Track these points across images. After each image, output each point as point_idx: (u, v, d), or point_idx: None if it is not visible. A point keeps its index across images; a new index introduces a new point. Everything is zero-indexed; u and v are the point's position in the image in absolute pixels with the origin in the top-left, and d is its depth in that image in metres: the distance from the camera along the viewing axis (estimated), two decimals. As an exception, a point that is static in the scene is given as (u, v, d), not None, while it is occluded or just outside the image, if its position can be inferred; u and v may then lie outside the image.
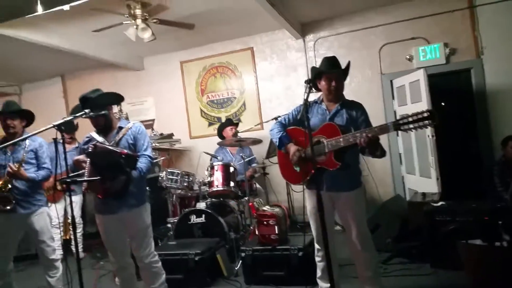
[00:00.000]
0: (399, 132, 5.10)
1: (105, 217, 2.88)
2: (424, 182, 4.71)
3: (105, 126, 2.90)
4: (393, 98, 5.38)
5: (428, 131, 4.34)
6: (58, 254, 3.47)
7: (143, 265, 2.95)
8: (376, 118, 2.44)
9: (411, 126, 2.32)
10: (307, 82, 2.43)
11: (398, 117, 3.61)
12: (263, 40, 5.97)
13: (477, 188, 4.80)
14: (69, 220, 5.05)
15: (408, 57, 5.26)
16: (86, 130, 3.16)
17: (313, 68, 2.86)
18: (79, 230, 5.22)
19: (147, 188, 4.64)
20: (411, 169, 5.10)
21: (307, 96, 2.34)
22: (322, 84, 2.76)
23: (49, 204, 4.85)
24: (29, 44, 4.64)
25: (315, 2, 4.94)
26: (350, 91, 5.44)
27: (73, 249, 5.07)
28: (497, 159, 4.74)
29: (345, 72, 2.82)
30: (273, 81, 5.95)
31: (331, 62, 2.78)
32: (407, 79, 4.92)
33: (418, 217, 3.57)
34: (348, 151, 2.60)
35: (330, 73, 2.74)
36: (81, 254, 5.22)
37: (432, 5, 5.11)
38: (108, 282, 4.11)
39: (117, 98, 3.03)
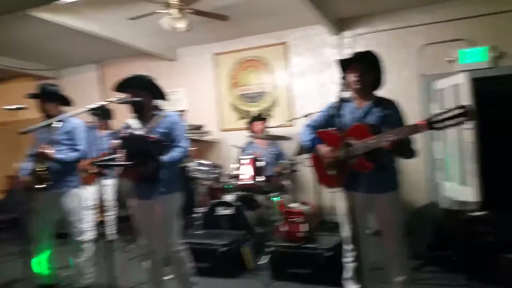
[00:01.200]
0: (436, 135, 5.03)
1: (138, 201, 2.95)
2: (461, 190, 4.52)
3: (140, 112, 2.93)
4: (431, 101, 5.19)
5: (468, 136, 4.17)
6: (86, 236, 3.55)
7: (168, 252, 2.99)
8: (413, 121, 2.33)
9: (443, 124, 2.14)
10: (343, 78, 2.36)
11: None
12: (298, 35, 5.88)
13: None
14: (103, 203, 5.22)
15: (449, 59, 5.05)
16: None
17: (337, 60, 2.73)
18: (112, 213, 5.35)
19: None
20: (448, 176, 4.91)
21: (340, 93, 2.26)
22: (346, 79, 2.64)
23: (84, 186, 5.03)
24: (67, 29, 4.74)
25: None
26: (385, 92, 5.26)
27: (106, 231, 5.27)
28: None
29: (372, 65, 2.65)
30: (306, 78, 5.87)
31: (357, 55, 2.67)
32: (448, 82, 4.74)
33: (454, 226, 3.43)
34: (382, 151, 2.48)
35: (351, 66, 2.62)
36: (113, 237, 5.34)
37: (477, 5, 4.89)
38: (137, 264, 4.18)
39: (155, 87, 2.99)
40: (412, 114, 4.96)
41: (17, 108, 2.69)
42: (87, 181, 4.91)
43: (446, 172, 4.95)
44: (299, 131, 3.00)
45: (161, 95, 3.02)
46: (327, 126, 2.81)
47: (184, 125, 3.02)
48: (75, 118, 3.42)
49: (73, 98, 3.54)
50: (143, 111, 2.96)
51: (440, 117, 2.17)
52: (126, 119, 3.03)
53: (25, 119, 3.46)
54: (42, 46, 5.80)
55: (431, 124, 2.21)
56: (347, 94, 2.75)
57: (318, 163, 2.79)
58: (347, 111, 2.70)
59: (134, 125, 2.94)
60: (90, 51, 6.29)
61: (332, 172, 2.65)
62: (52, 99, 3.39)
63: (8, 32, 5.04)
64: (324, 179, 2.81)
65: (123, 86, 2.91)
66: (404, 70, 5.33)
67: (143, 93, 2.91)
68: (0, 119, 2.64)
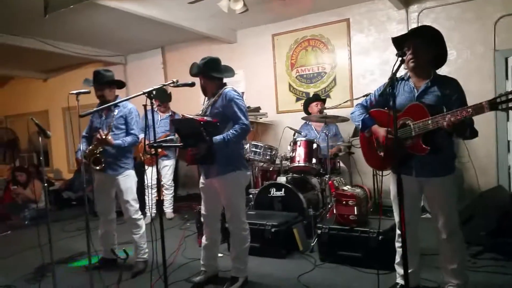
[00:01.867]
0: (510, 116, 4.58)
1: (204, 180, 3.09)
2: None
3: (205, 94, 3.07)
4: (506, 78, 4.72)
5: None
6: (142, 214, 3.72)
7: (230, 229, 3.09)
8: (485, 100, 2.13)
9: (510, 104, 1.99)
10: (398, 54, 2.22)
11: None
12: (361, 11, 5.61)
13: None
14: (162, 182, 5.53)
15: (530, 30, 4.54)
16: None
17: (392, 38, 2.57)
18: (170, 192, 5.65)
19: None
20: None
21: (396, 71, 2.13)
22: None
23: (146, 167, 5.34)
24: (132, 15, 4.97)
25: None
26: (456, 69, 4.92)
27: (164, 209, 5.58)
28: None
29: (430, 41, 2.47)
30: (368, 55, 5.61)
31: (414, 30, 2.50)
32: (526, 56, 4.27)
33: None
34: (439, 133, 2.33)
35: (408, 42, 2.44)
36: (171, 215, 5.66)
37: None
38: (192, 242, 4.40)
39: (213, 70, 3.02)
40: (484, 93, 4.66)
41: (79, 93, 2.87)
42: (148, 162, 5.23)
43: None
44: (350, 114, 2.90)
45: (213, 74, 3.00)
46: (380, 106, 2.70)
47: (242, 101, 2.96)
48: (129, 103, 3.57)
49: (139, 82, 3.72)
50: (207, 93, 3.07)
51: (506, 98, 2.01)
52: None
53: (90, 103, 3.70)
54: (109, 33, 6.17)
55: (495, 105, 2.06)
56: (404, 72, 2.61)
57: (368, 144, 2.69)
58: (404, 90, 2.57)
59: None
60: (154, 37, 6.56)
61: (383, 153, 2.54)
62: (106, 84, 3.54)
63: (78, 21, 5.43)
64: (373, 160, 2.71)
65: (191, 72, 3.06)
66: (477, 45, 4.89)
67: (201, 76, 3.01)
68: (71, 104, 2.84)
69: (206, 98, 3.12)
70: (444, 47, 2.53)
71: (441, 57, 2.56)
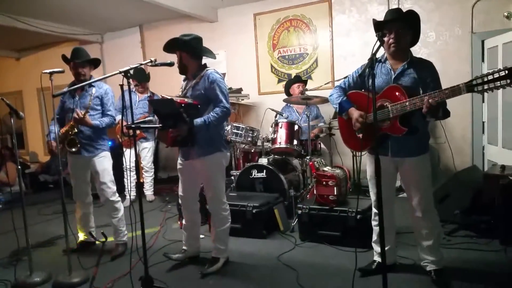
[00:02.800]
0: (485, 98, 4.68)
1: (182, 161, 3.06)
2: (507, 155, 4.25)
3: (185, 74, 2.99)
4: (482, 60, 4.79)
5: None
6: (118, 196, 3.61)
7: (210, 210, 3.10)
8: (462, 82, 2.17)
9: (485, 86, 2.05)
10: (378, 35, 2.22)
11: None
12: (343, -9, 5.58)
13: None
14: (141, 165, 5.45)
15: (506, 14, 4.58)
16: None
17: (373, 21, 2.57)
18: (150, 174, 5.59)
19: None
20: (494, 140, 4.60)
21: (375, 52, 2.13)
22: (385, 39, 2.48)
23: (125, 149, 5.24)
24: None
25: None
26: (435, 50, 4.99)
27: (145, 192, 5.53)
28: None
29: (412, 23, 2.50)
30: (350, 37, 5.61)
31: (390, 13, 2.51)
32: (501, 40, 4.33)
33: (493, 190, 3.25)
34: (416, 115, 2.38)
35: (389, 25, 2.45)
36: (151, 197, 5.62)
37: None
38: (173, 224, 4.39)
39: (193, 48, 2.94)
40: (461, 75, 4.75)
41: (52, 72, 2.76)
42: (126, 145, 5.13)
43: (493, 135, 4.65)
44: (328, 97, 2.89)
45: (198, 54, 2.96)
46: (358, 88, 2.72)
47: (225, 84, 2.92)
48: (104, 83, 3.47)
49: (116, 60, 3.60)
50: (187, 72, 2.99)
51: (481, 80, 2.07)
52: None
53: (65, 83, 3.56)
54: (86, 11, 5.95)
55: (472, 87, 2.11)
56: (381, 54, 2.62)
57: (346, 125, 2.71)
58: (381, 72, 2.58)
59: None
60: (132, 15, 6.37)
61: (360, 135, 2.57)
62: (89, 64, 3.45)
63: (54, -2, 5.22)
64: (352, 142, 2.74)
65: (168, 47, 2.94)
66: (456, 28, 4.95)
67: (183, 53, 2.92)
68: (44, 84, 2.74)
69: (184, 78, 3.06)
70: (419, 29, 2.55)
71: (415, 38, 2.59)
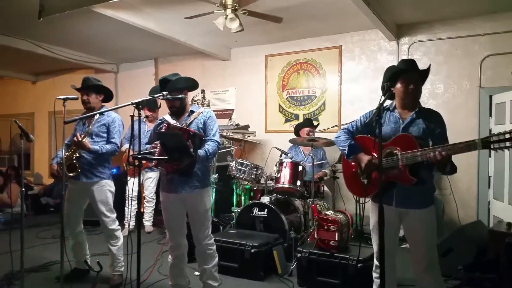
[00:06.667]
0: (491, 152, 4.68)
1: (169, 195, 2.98)
2: (510, 210, 4.19)
3: (179, 109, 3.00)
4: (490, 115, 4.83)
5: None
6: (120, 224, 3.58)
7: (199, 247, 3.03)
8: (469, 135, 2.17)
9: (503, 145, 2.02)
10: (385, 85, 2.27)
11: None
12: (354, 39, 5.74)
13: None
14: (144, 195, 5.43)
15: (514, 71, 4.68)
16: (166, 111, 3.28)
17: (390, 68, 2.61)
18: (152, 205, 5.55)
19: (216, 175, 4.75)
20: (500, 195, 4.54)
21: (383, 101, 2.16)
22: (398, 87, 2.52)
23: (129, 177, 5.25)
24: (127, 25, 4.97)
25: (414, 4, 4.62)
26: (443, 102, 5.05)
27: (144, 222, 5.46)
28: None
29: (424, 75, 2.57)
30: (358, 83, 5.71)
31: (409, 64, 2.55)
32: (509, 96, 4.39)
33: (498, 248, 3.18)
34: (423, 166, 2.36)
35: (408, 75, 2.50)
36: (150, 228, 5.55)
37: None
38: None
39: (193, 84, 3.09)
40: (468, 127, 4.77)
41: (66, 98, 2.82)
42: (131, 173, 5.13)
43: (499, 191, 4.60)
44: (334, 138, 2.89)
45: (193, 85, 3.10)
46: (365, 133, 2.72)
47: (215, 121, 3.04)
48: (113, 112, 3.51)
49: (130, 91, 3.67)
50: (185, 111, 3.04)
51: (498, 138, 2.03)
52: (162, 116, 3.12)
53: (77, 109, 3.62)
54: (103, 41, 6.16)
55: (488, 143, 2.08)
56: (387, 103, 2.64)
57: (351, 170, 2.70)
58: (389, 120, 2.60)
59: (170, 120, 3.00)
60: (148, 48, 6.57)
61: (365, 181, 2.55)
62: (93, 92, 3.47)
63: (72, 26, 5.41)
64: (356, 188, 2.71)
65: (164, 85, 2.96)
66: (464, 81, 5.03)
67: (182, 91, 2.98)
68: (57, 108, 2.79)
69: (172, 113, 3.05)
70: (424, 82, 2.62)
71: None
